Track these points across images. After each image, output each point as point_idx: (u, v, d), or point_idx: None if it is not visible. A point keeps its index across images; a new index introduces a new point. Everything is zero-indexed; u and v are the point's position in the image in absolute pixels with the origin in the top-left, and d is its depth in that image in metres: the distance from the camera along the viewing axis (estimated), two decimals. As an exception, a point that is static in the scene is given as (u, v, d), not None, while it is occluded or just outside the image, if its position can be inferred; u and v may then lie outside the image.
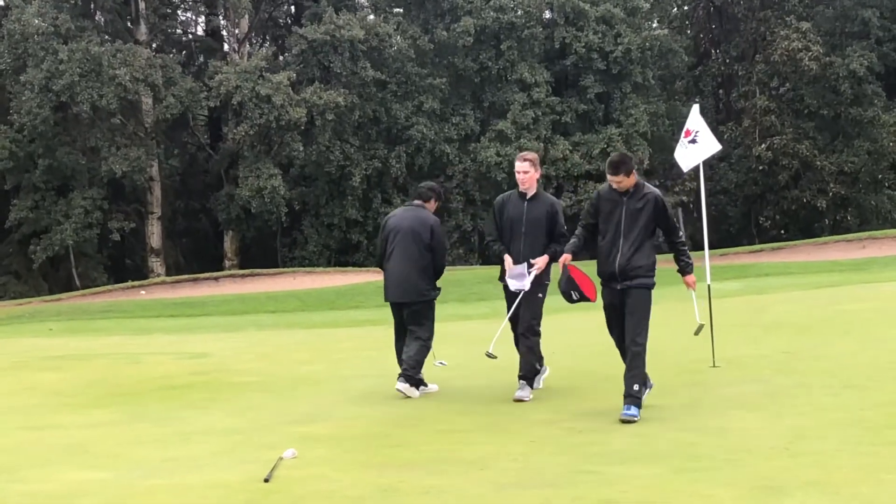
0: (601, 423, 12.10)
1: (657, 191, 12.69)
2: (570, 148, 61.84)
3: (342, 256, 60.89)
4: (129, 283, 47.81)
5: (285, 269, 47.39)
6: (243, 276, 46.61)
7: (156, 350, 18.47)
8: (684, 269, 12.98)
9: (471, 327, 23.09)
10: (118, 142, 56.64)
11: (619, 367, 16.11)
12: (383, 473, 10.04)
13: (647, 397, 12.75)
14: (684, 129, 16.81)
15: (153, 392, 15.63)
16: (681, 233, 12.90)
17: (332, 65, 58.62)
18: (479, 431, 11.84)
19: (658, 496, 8.85)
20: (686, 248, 13.08)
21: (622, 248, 12.54)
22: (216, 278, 47.14)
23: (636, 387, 12.36)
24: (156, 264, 59.67)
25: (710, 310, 16.56)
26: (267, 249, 63.11)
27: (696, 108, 17.14)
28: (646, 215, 12.56)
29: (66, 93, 53.82)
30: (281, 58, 63.86)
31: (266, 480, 8.47)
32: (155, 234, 60.12)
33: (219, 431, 12.39)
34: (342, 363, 18.34)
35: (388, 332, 23.19)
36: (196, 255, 66.40)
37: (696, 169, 17.10)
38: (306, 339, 20.64)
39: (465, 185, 61.94)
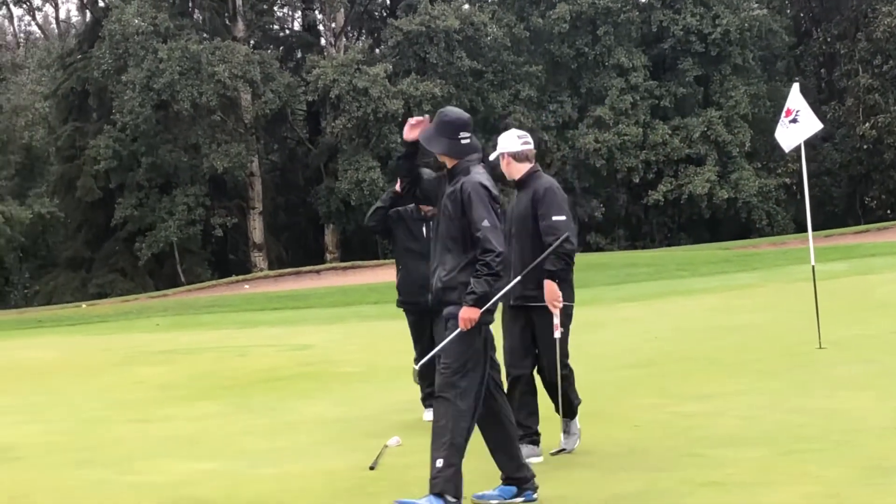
0: (707, 405, 11.99)
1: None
2: (670, 132, 61.38)
3: (443, 246, 60.87)
4: (233, 278, 48.27)
5: (385, 261, 47.45)
6: (345, 268, 46.85)
7: (261, 343, 18.68)
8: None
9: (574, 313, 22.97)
10: (218, 138, 57.22)
11: (726, 350, 16.07)
12: (488, 460, 10.03)
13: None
14: (785, 109, 16.56)
15: (259, 384, 15.78)
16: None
17: (428, 56, 58.69)
18: (583, 418, 11.75)
19: (765, 477, 8.76)
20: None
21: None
22: (318, 271, 47.47)
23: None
24: (258, 259, 60.21)
25: (815, 292, 16.30)
26: (367, 242, 63.32)
27: (795, 86, 16.88)
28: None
29: (167, 91, 54.48)
30: (377, 50, 64.05)
31: (371, 468, 8.52)
32: (257, 229, 60.67)
33: (323, 421, 12.48)
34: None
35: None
36: (297, 249, 66.86)
37: (798, 149, 16.83)
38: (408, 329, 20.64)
39: (564, 173, 61.65)
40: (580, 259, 40.49)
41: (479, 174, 8.29)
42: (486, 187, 8.18)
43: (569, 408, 10.23)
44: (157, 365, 18.09)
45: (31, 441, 12.18)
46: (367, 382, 15.43)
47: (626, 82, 61.46)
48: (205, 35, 59.36)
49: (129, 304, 38.87)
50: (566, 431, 10.24)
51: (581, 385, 13.82)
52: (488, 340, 8.26)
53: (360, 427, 11.82)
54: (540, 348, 9.93)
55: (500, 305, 8.95)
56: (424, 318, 11.71)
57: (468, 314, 7.94)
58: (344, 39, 63.73)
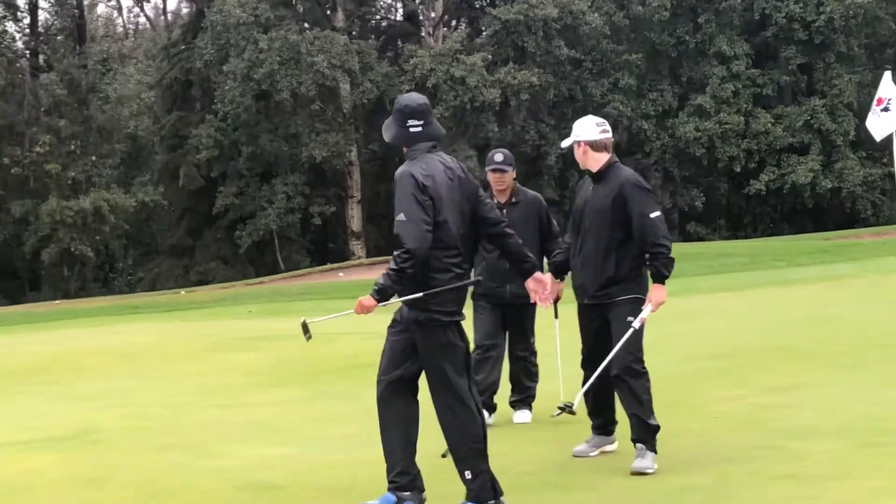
0: (788, 397, 11.88)
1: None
2: (772, 121, 60.62)
3: (541, 236, 60.77)
4: (328, 266, 48.61)
5: (481, 250, 47.78)
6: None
7: (348, 330, 18.71)
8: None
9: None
10: (317, 128, 57.63)
11: (813, 341, 15.88)
12: (558, 449, 10.04)
13: None
14: (876, 98, 16.34)
15: (341, 370, 15.89)
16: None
17: (526, 44, 58.57)
18: (661, 409, 11.65)
19: (837, 470, 8.68)
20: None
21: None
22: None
23: None
24: (357, 247, 60.54)
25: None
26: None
27: (887, 75, 16.66)
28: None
29: (267, 81, 54.96)
30: (476, 40, 64.07)
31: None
32: (355, 218, 60.99)
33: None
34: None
35: (568, 315, 23.21)
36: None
37: (890, 138, 16.59)
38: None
39: (664, 162, 61.33)
40: (675, 248, 40.16)
41: (418, 162, 7.86)
42: (414, 177, 7.71)
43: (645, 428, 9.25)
44: (245, 351, 18.28)
45: (114, 424, 12.40)
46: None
47: (727, 70, 60.80)
48: (305, 25, 59.76)
49: (225, 291, 39.32)
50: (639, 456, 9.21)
51: (663, 375, 13.76)
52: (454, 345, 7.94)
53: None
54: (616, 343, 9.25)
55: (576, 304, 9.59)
56: (506, 310, 11.38)
57: (362, 302, 7.85)
58: (442, 29, 63.79)
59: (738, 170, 60.90)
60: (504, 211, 10.90)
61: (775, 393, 12.15)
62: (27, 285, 63.34)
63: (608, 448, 9.85)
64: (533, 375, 11.62)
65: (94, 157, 61.50)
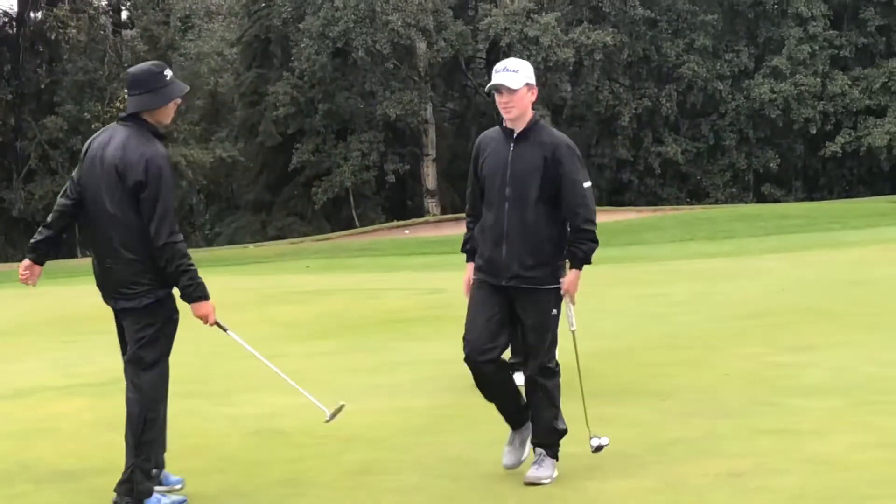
0: (805, 357, 12.05)
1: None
2: (850, 83, 60.06)
3: (613, 196, 60.85)
4: (395, 223, 49.08)
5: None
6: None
7: (396, 286, 19.14)
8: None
9: (711, 265, 23.01)
10: (392, 86, 57.96)
11: (848, 302, 16.00)
12: (567, 404, 10.33)
13: None
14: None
15: (380, 325, 16.25)
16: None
17: (601, 4, 58.43)
18: (677, 365, 11.97)
19: (824, 426, 8.90)
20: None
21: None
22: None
23: None
24: (431, 205, 60.95)
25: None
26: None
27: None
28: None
29: (342, 39, 55.41)
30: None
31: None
32: (430, 176, 61.36)
33: (429, 361, 12.87)
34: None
35: (619, 271, 23.41)
36: (472, 196, 67.26)
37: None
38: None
39: (739, 123, 61.03)
40: (733, 209, 40.33)
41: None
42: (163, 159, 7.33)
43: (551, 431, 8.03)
44: (290, 304, 18.72)
45: (147, 373, 12.83)
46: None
47: (804, 32, 60.26)
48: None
49: (291, 247, 39.87)
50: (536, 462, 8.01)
51: (690, 333, 14.06)
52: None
53: (459, 370, 12.12)
54: (528, 337, 7.82)
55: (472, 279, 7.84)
56: None
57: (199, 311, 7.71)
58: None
59: (814, 132, 60.45)
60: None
61: (793, 352, 12.33)
62: (108, 239, 64.37)
63: None
64: None
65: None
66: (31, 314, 20.41)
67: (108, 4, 66.38)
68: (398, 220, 57.97)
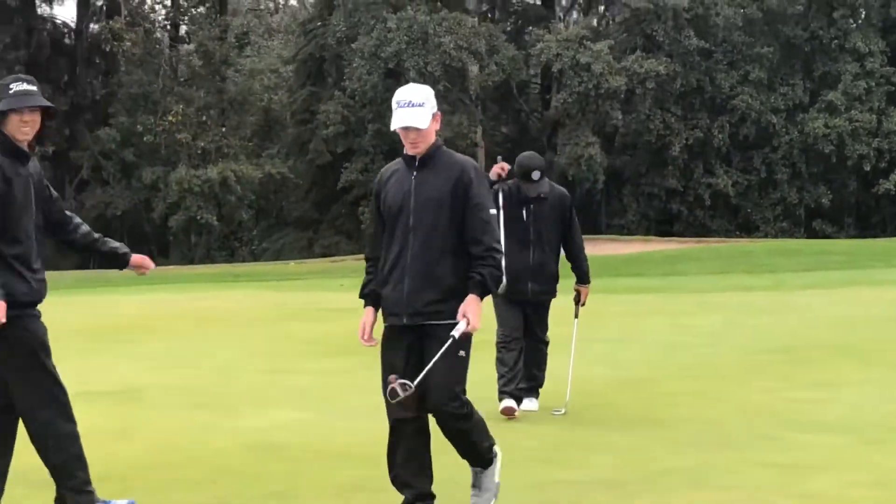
0: (822, 393, 11.93)
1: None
2: (906, 120, 59.54)
3: (661, 226, 60.57)
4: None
5: (585, 236, 47.84)
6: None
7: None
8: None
9: (745, 298, 22.87)
10: (442, 108, 57.82)
11: (878, 341, 15.82)
12: (568, 428, 10.27)
13: None
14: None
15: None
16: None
17: (654, 33, 58.30)
18: (688, 395, 11.89)
19: (824, 462, 8.78)
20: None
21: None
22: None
23: None
24: (479, 229, 60.84)
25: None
26: (588, 216, 63.43)
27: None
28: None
29: (394, 60, 55.59)
30: (608, 24, 63.91)
31: None
32: (478, 199, 61.28)
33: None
34: (596, 327, 18.46)
35: (653, 301, 23.25)
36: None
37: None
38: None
39: (791, 157, 60.59)
40: (774, 244, 40.04)
41: None
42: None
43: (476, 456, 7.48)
44: (315, 322, 18.76)
45: (159, 383, 12.95)
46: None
47: (861, 67, 59.81)
48: (439, 4, 60.14)
49: (331, 265, 39.99)
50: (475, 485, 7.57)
51: (710, 364, 13.95)
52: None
53: (471, 393, 12.05)
54: (435, 374, 6.97)
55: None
56: (526, 307, 10.93)
57: None
58: (574, 14, 63.77)
59: (868, 168, 59.88)
60: (531, 206, 10.73)
61: (810, 388, 12.21)
62: (156, 251, 64.93)
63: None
64: (542, 364, 11.23)
65: (223, 128, 62.68)
66: (59, 323, 20.50)
67: (166, 19, 67.01)
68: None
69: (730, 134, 60.09)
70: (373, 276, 7.28)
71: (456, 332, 6.87)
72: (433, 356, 6.93)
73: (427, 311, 6.99)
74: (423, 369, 6.97)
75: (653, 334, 17.08)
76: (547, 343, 11.22)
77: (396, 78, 58.37)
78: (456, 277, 7.00)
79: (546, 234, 10.80)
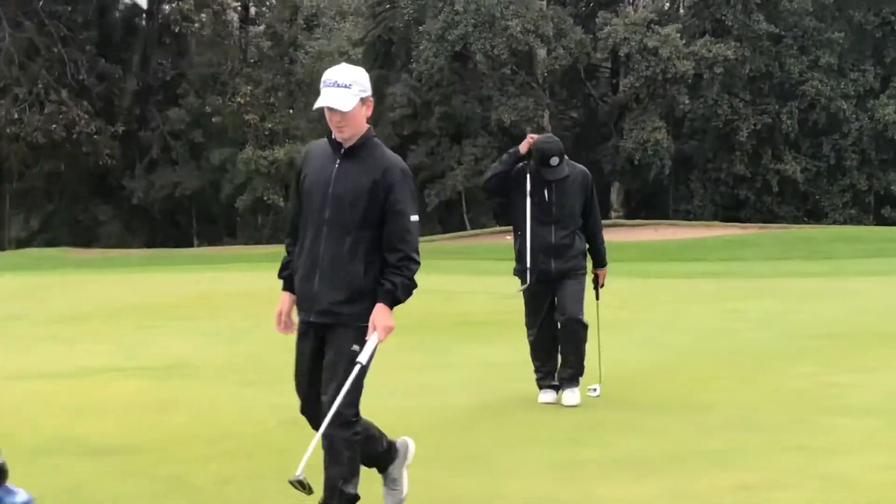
0: (860, 378, 11.99)
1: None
2: (979, 107, 58.79)
3: (729, 212, 60.23)
4: (496, 228, 49.02)
5: (649, 221, 47.74)
6: (606, 226, 46.78)
7: (475, 289, 19.32)
8: None
9: (800, 284, 22.83)
10: (509, 91, 58.08)
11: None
12: (600, 409, 10.43)
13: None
14: None
15: (446, 326, 16.44)
16: None
17: (723, 17, 57.91)
18: (727, 380, 12.01)
19: (851, 446, 8.89)
20: None
21: None
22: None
23: None
24: (544, 213, 60.86)
25: None
26: (655, 201, 63.30)
27: None
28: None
29: (460, 43, 55.71)
30: (679, 8, 63.55)
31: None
32: (544, 183, 61.32)
33: (480, 364, 13.10)
34: (645, 311, 18.60)
35: (706, 286, 23.28)
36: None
37: None
38: (627, 287, 20.99)
39: (861, 144, 59.94)
40: (835, 230, 39.78)
41: None
42: None
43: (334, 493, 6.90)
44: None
45: (213, 360, 13.29)
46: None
47: (933, 53, 59.19)
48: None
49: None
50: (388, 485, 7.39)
51: (752, 350, 14.04)
52: None
53: (509, 373, 12.27)
54: (333, 374, 6.71)
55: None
56: (555, 286, 10.66)
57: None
58: (643, -1, 63.53)
59: (940, 155, 59.27)
60: (553, 185, 10.56)
61: (849, 373, 12.27)
62: (224, 231, 65.66)
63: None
64: (580, 347, 10.63)
65: (291, 110, 63.12)
66: (122, 300, 20.95)
67: (235, 0, 67.51)
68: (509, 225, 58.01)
69: (799, 120, 59.59)
70: (290, 258, 6.95)
71: (358, 347, 6.57)
72: (332, 361, 6.69)
73: (334, 312, 6.66)
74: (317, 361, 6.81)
75: (700, 319, 17.15)
76: (583, 324, 10.62)
77: (463, 61, 58.59)
78: (366, 280, 6.61)
79: (569, 211, 10.59)
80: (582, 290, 10.68)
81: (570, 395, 10.64)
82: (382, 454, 7.14)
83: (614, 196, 62.20)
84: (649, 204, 63.37)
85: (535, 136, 10.76)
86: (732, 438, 9.14)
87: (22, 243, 60.89)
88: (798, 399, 10.84)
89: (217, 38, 62.60)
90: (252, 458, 8.67)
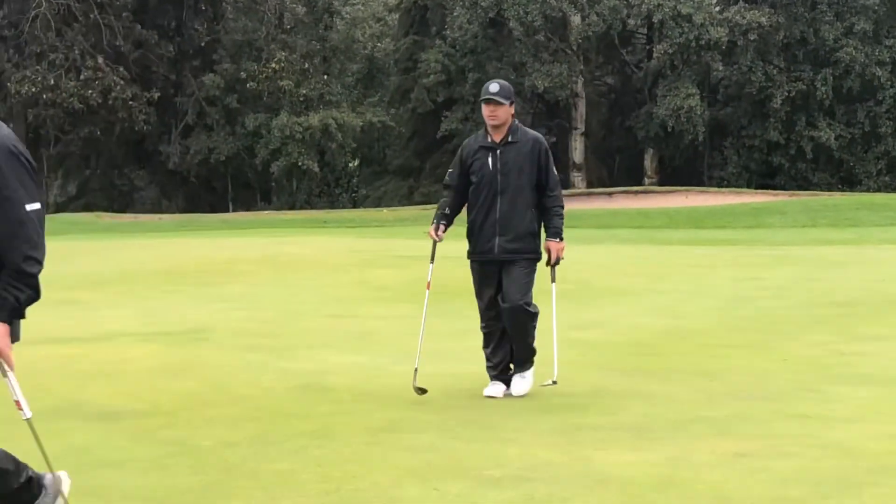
0: (872, 346, 12.03)
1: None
2: None
3: (762, 179, 60.01)
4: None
5: (680, 188, 47.55)
6: (636, 192, 47.01)
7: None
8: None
9: (823, 252, 22.78)
10: (543, 58, 57.95)
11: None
12: (608, 376, 10.47)
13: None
14: None
15: (466, 293, 16.44)
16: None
17: (759, -17, 57.61)
18: (738, 348, 12.03)
19: (855, 414, 8.90)
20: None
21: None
22: (609, 193, 47.87)
23: None
24: (577, 179, 60.87)
25: None
26: (690, 168, 63.06)
27: None
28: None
29: (494, 9, 55.58)
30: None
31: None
32: (577, 150, 61.26)
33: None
34: (663, 278, 18.60)
35: (729, 253, 23.23)
36: (622, 171, 67.05)
37: None
38: (648, 254, 21.06)
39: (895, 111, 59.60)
40: (858, 199, 39.49)
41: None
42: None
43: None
44: (390, 268, 19.08)
45: (226, 325, 13.40)
46: (569, 300, 15.83)
47: (970, 19, 58.62)
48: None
49: (423, 212, 40.28)
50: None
51: (767, 317, 14.04)
52: None
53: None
54: None
55: None
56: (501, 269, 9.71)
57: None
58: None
59: (976, 123, 58.81)
60: (498, 151, 9.48)
61: (862, 341, 12.30)
62: (259, 196, 65.91)
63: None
64: (526, 334, 9.74)
65: (326, 76, 63.14)
66: (148, 265, 21.11)
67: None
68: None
69: (833, 87, 59.19)
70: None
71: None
72: None
73: None
74: None
75: (719, 287, 17.18)
76: (529, 313, 9.61)
77: (497, 27, 58.47)
78: None
79: (515, 183, 9.49)
80: (529, 275, 9.67)
81: (519, 383, 9.80)
82: (19, 490, 5.60)
83: (648, 163, 62.09)
84: (683, 171, 63.15)
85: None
86: (736, 406, 9.16)
87: (60, 208, 61.32)
88: (807, 367, 10.86)
89: (252, 4, 62.64)
90: (256, 422, 8.74)
